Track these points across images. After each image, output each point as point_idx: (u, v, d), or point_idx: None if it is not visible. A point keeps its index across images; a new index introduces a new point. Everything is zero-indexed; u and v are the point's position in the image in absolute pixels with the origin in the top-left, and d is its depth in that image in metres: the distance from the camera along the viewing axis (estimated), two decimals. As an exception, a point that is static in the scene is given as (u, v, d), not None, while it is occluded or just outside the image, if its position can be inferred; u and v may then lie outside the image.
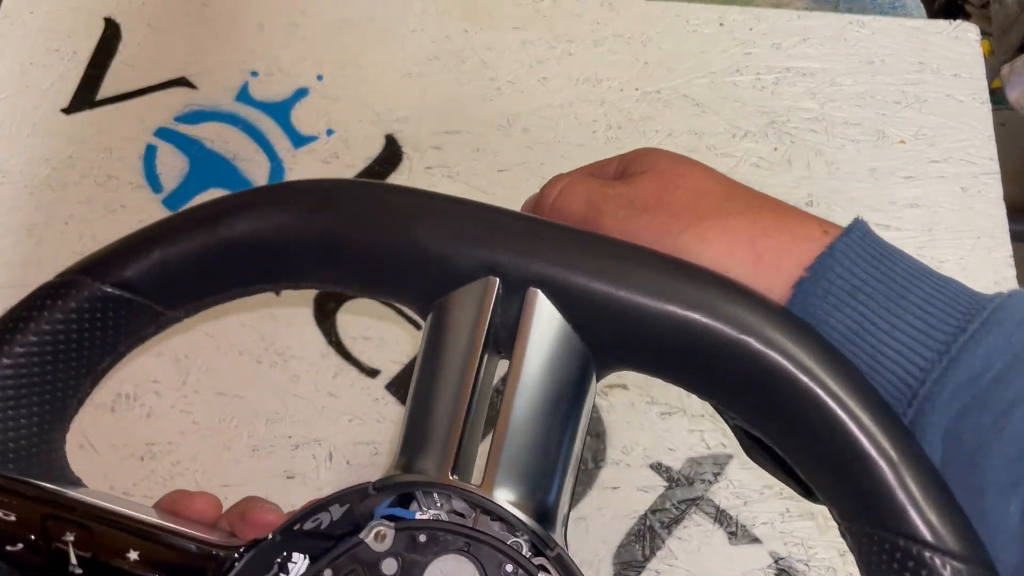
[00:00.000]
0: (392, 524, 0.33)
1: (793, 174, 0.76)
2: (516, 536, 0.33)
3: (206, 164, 0.77)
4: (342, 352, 0.69)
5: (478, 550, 0.32)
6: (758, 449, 0.39)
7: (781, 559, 0.62)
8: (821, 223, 0.35)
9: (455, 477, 0.32)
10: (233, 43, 0.82)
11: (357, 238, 0.34)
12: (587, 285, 0.32)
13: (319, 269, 0.35)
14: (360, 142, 0.78)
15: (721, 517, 0.63)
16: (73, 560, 0.32)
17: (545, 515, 0.32)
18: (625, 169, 0.40)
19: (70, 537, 0.32)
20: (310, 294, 0.71)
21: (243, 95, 0.80)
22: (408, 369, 0.68)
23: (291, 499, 0.55)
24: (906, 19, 0.84)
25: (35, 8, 0.84)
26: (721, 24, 0.82)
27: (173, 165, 0.77)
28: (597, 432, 0.66)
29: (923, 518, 0.29)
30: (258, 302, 0.71)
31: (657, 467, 0.65)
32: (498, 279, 0.33)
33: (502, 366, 0.34)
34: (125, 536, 0.32)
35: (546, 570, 0.32)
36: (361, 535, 0.33)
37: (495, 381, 0.37)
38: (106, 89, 0.80)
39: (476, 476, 0.32)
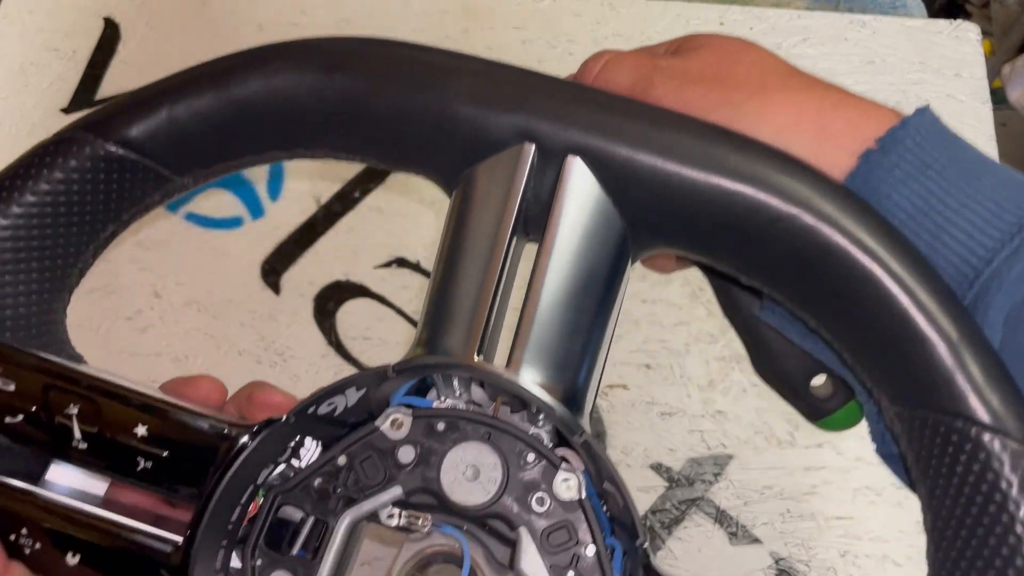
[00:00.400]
0: (409, 411, 0.31)
1: (793, 174, 0.76)
2: (537, 428, 0.32)
3: (206, 164, 0.77)
4: (342, 352, 0.69)
5: (499, 439, 0.31)
6: (768, 364, 0.38)
7: (781, 559, 0.61)
8: (890, 108, 0.33)
9: (480, 358, 0.30)
10: (233, 43, 0.82)
11: (378, 100, 0.31)
12: (631, 154, 0.30)
13: (336, 134, 0.32)
14: (360, 142, 0.77)
15: (721, 517, 0.63)
16: (77, 434, 0.30)
17: (573, 400, 0.30)
18: (678, 49, 0.38)
19: (74, 410, 0.30)
20: (310, 294, 0.71)
21: (243, 95, 0.80)
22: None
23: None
24: (907, 19, 0.83)
25: (34, 8, 0.84)
26: (721, 24, 0.82)
27: (173, 165, 0.76)
28: (597, 432, 0.66)
29: (983, 399, 0.27)
30: (258, 301, 0.71)
31: (657, 467, 0.65)
32: (534, 145, 0.30)
33: (529, 254, 0.32)
34: (133, 411, 0.30)
35: (567, 461, 0.31)
36: (377, 422, 0.31)
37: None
38: (105, 89, 0.80)
39: (500, 361, 0.30)
